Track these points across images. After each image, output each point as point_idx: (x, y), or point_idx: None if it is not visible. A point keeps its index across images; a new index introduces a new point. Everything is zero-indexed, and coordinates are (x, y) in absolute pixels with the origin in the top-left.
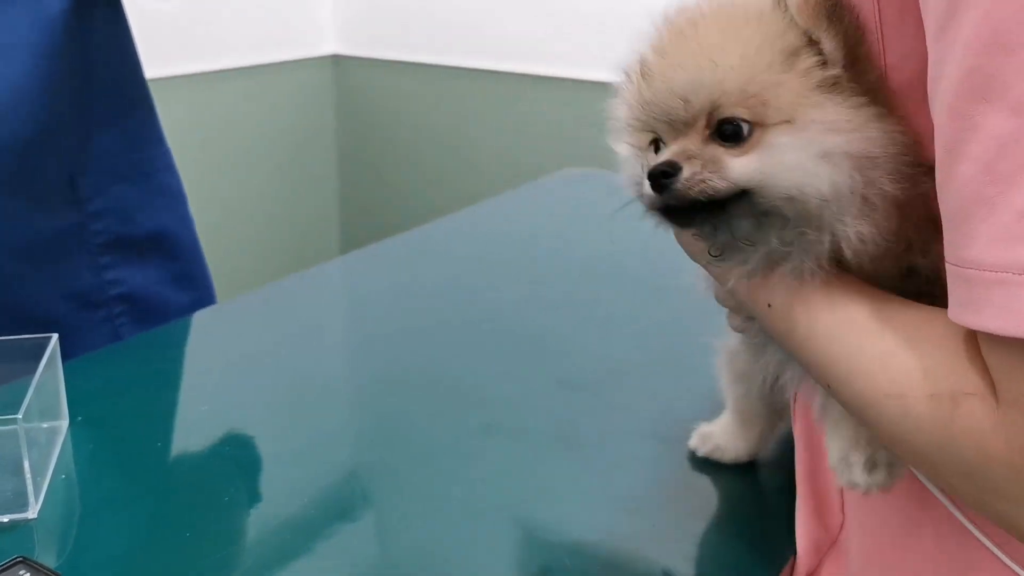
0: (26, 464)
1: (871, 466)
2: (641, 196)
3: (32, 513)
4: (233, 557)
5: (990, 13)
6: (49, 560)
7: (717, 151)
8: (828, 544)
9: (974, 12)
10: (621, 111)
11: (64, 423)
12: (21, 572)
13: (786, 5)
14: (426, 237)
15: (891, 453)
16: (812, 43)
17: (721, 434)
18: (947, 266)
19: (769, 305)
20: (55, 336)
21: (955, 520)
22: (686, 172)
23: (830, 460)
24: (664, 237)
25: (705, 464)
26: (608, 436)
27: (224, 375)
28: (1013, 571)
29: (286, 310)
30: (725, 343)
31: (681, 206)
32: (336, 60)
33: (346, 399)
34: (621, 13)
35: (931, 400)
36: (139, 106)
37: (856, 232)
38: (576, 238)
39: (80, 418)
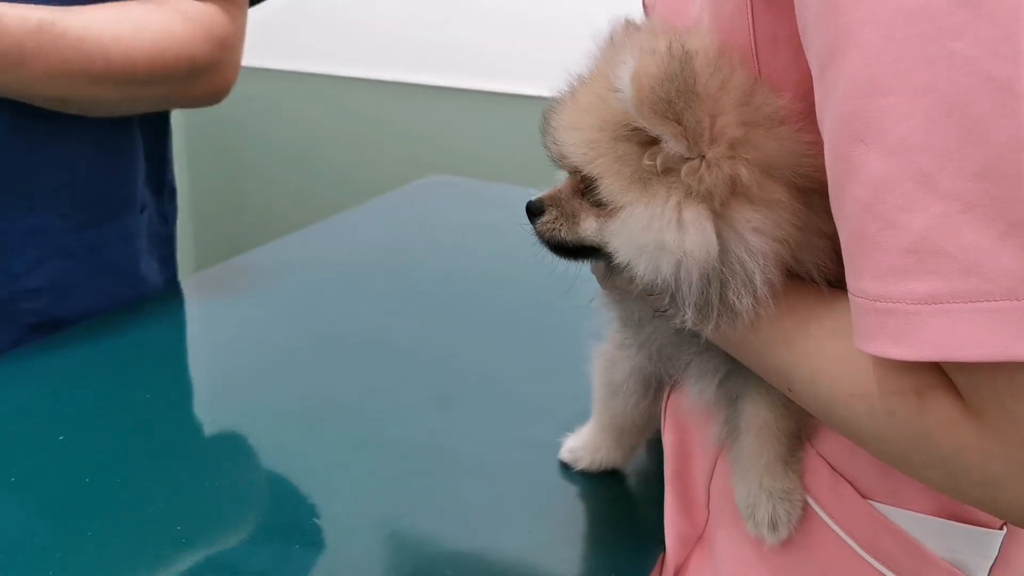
0: None
1: (773, 525)
2: None
3: None
4: None
5: (867, 59)
6: None
7: (580, 206)
8: (695, 538)
9: (852, 57)
10: None
11: None
12: None
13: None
14: (286, 249)
15: (789, 507)
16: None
17: (592, 449)
18: (849, 295)
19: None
20: None
21: (823, 525)
22: (544, 217)
23: (737, 502)
24: (523, 245)
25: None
26: (481, 446)
27: (85, 397)
28: (873, 568)
29: (135, 335)
30: (603, 351)
31: (550, 248)
32: None
33: (212, 419)
34: (482, 17)
35: (896, 397)
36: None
37: (733, 304)
38: (438, 246)
39: None
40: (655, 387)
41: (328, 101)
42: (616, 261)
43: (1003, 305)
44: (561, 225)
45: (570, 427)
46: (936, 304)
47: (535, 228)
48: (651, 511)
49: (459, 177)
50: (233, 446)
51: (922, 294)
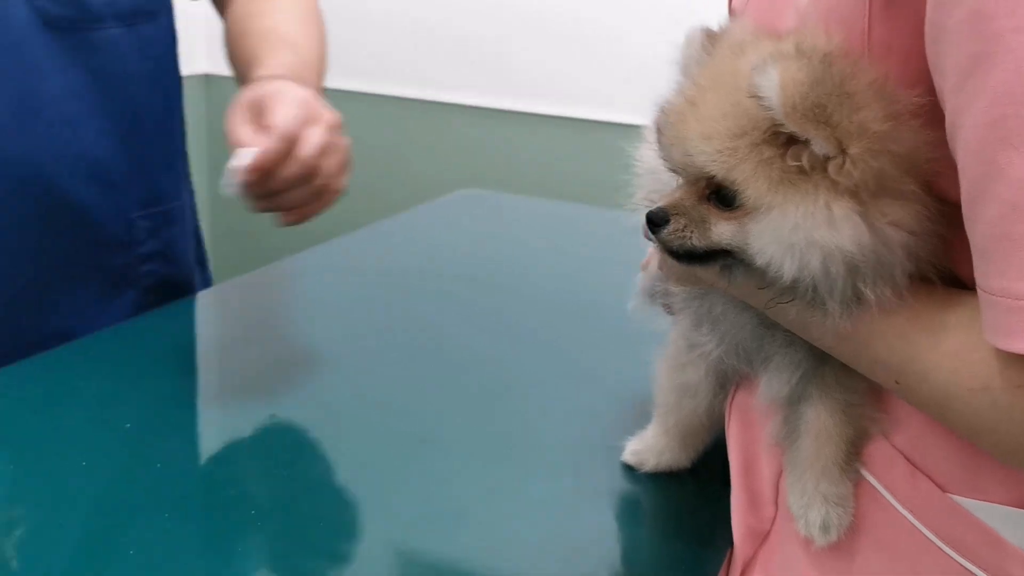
0: None
1: (825, 528)
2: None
3: None
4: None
5: (1020, 67)
6: None
7: (708, 211)
8: (763, 533)
9: (1003, 64)
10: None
11: None
12: None
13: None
14: (327, 254)
15: (842, 512)
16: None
17: (657, 452)
18: (979, 293)
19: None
20: None
21: (897, 514)
22: (670, 226)
23: (788, 504)
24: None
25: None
26: (537, 445)
27: (143, 391)
28: (958, 564)
29: (184, 333)
30: (666, 355)
31: (676, 258)
32: (208, 79)
33: (272, 417)
34: (493, 38)
35: (1019, 391)
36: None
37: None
38: (475, 254)
39: None
40: (727, 385)
41: (355, 117)
42: (757, 262)
43: None
44: (691, 232)
45: (619, 429)
46: None
47: (660, 238)
48: (717, 507)
49: (487, 191)
50: (298, 442)
51: None
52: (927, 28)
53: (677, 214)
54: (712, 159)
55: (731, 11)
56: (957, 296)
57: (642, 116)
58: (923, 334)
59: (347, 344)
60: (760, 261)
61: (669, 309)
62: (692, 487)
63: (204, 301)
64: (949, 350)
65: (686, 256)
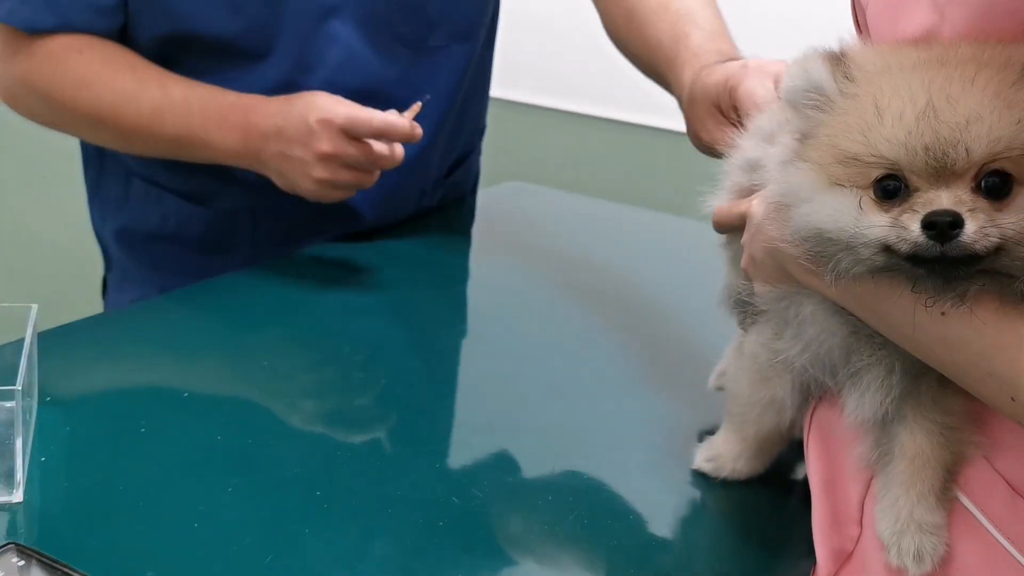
0: (18, 443)
1: (919, 557)
2: (899, 241)
3: (18, 496)
4: (237, 544)
5: None
6: (41, 545)
7: (985, 205)
8: (845, 553)
9: None
10: (838, 139)
11: (34, 402)
12: (13, 559)
13: None
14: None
15: (936, 542)
16: None
17: (732, 458)
18: None
19: (943, 313)
20: (35, 307)
21: (993, 543)
22: (972, 225)
23: (879, 531)
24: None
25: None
26: (610, 446)
27: (209, 356)
28: None
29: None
30: (744, 366)
31: (957, 257)
32: None
33: (342, 393)
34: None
35: None
36: None
37: None
38: (541, 247)
39: (49, 398)
40: (811, 398)
41: None
42: (1014, 257)
43: None
44: (994, 228)
45: (685, 433)
46: None
47: (961, 243)
48: (789, 514)
49: (532, 185)
50: (382, 415)
51: None
52: None
53: (971, 211)
54: (1013, 131)
55: (854, 7)
56: None
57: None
58: None
59: (409, 333)
60: None
61: (745, 318)
62: (763, 494)
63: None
64: None
65: (980, 258)
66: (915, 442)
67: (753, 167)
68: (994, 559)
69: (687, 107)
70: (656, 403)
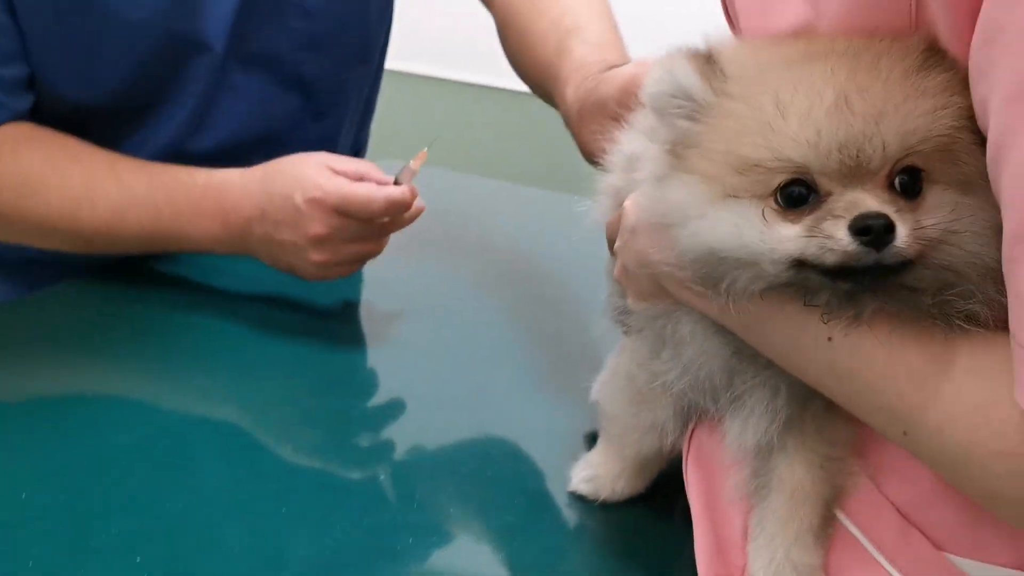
0: None
1: None
2: (823, 252)
3: None
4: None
5: None
6: None
7: (904, 206)
8: None
9: None
10: (731, 145)
11: None
12: None
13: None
14: None
15: None
16: None
17: (611, 479)
18: (1014, 346)
19: (829, 339)
20: None
21: (883, 572)
22: (903, 228)
23: (752, 571)
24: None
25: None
26: (486, 457)
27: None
28: None
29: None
30: (619, 385)
31: (890, 266)
32: None
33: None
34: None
35: None
36: None
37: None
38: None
39: None
40: (691, 420)
41: None
42: (956, 257)
43: None
44: (921, 230)
45: (563, 447)
46: None
47: (896, 248)
48: (672, 531)
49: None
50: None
51: None
52: (980, 26)
53: (899, 212)
54: (925, 123)
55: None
56: (980, 338)
57: None
58: (941, 379)
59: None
60: (957, 256)
61: (629, 331)
62: (647, 515)
63: None
64: (971, 402)
65: (906, 267)
66: (794, 475)
67: (632, 163)
68: None
69: (575, 124)
70: (547, 409)
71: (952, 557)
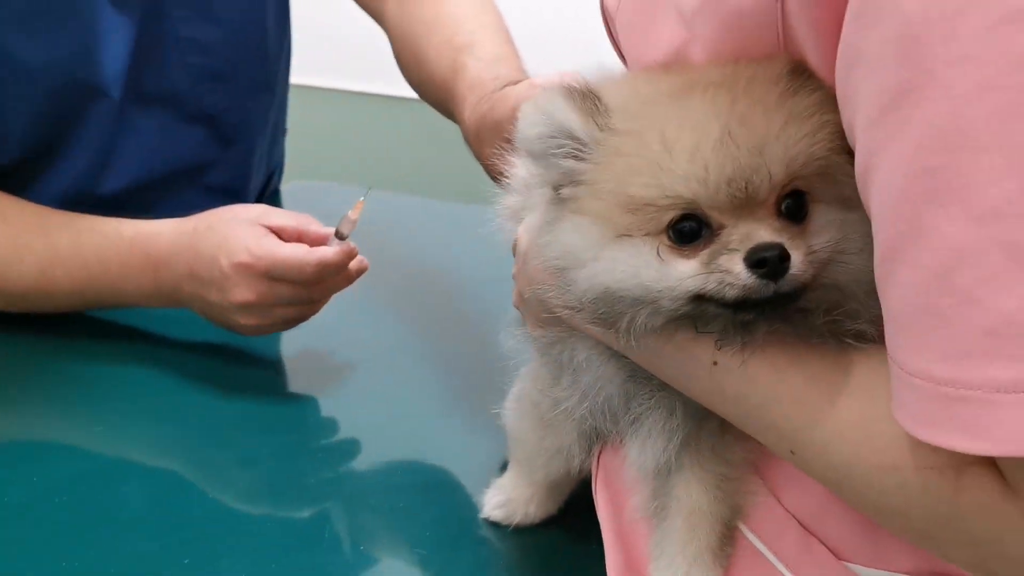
0: None
1: None
2: (722, 287)
3: None
4: None
5: (956, 108)
6: None
7: (793, 231)
8: None
9: (933, 106)
10: (621, 184)
11: None
12: None
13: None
14: None
15: None
16: None
17: (523, 502)
18: (892, 365)
19: (715, 363)
20: None
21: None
22: (797, 255)
23: None
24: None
25: None
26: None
27: None
28: None
29: None
30: (524, 410)
31: (787, 294)
32: None
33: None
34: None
35: (933, 472)
36: None
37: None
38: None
39: None
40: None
41: None
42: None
43: None
44: (812, 255)
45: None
46: (1020, 393)
47: (792, 276)
48: (588, 552)
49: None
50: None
51: (1004, 381)
52: (841, 50)
53: (791, 239)
54: (805, 147)
55: (604, 10)
56: (861, 353)
57: None
58: (823, 399)
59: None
60: (843, 274)
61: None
62: (560, 537)
63: None
64: (852, 420)
65: (803, 292)
66: (691, 496)
67: (528, 187)
68: None
69: (475, 145)
70: (461, 434)
71: (853, 566)
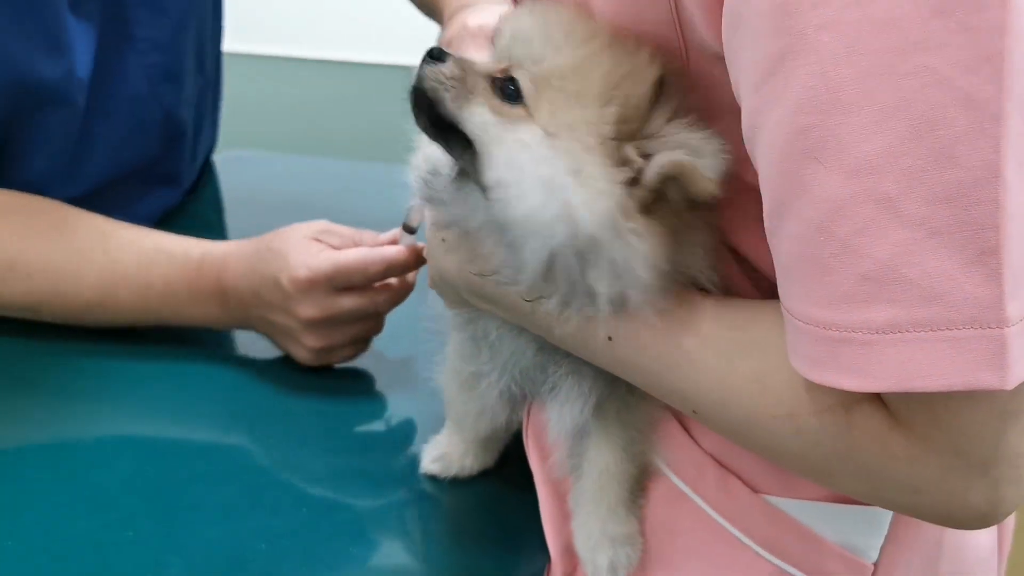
0: None
1: (613, 570)
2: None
3: None
4: None
5: (826, 70)
6: None
7: (485, 88)
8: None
9: (808, 66)
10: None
11: None
12: None
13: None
14: None
15: (631, 551)
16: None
17: (459, 456)
18: (784, 313)
19: (609, 338)
20: None
21: (709, 520)
22: (443, 66)
23: (576, 547)
24: None
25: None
26: (338, 447)
27: None
28: (775, 566)
29: None
30: (452, 371)
31: (416, 100)
32: None
33: None
34: None
35: (826, 414)
36: None
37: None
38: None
39: None
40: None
41: None
42: (485, 176)
43: (966, 333)
44: (453, 88)
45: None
46: (895, 333)
47: (422, 72)
48: (526, 504)
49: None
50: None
51: (880, 323)
52: (724, 16)
53: (458, 67)
54: (545, 47)
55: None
56: (750, 311)
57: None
58: (718, 359)
59: None
60: (489, 176)
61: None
62: (499, 487)
63: None
64: (747, 375)
65: (427, 108)
66: (601, 457)
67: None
68: (712, 534)
69: None
70: (399, 394)
71: (768, 498)
